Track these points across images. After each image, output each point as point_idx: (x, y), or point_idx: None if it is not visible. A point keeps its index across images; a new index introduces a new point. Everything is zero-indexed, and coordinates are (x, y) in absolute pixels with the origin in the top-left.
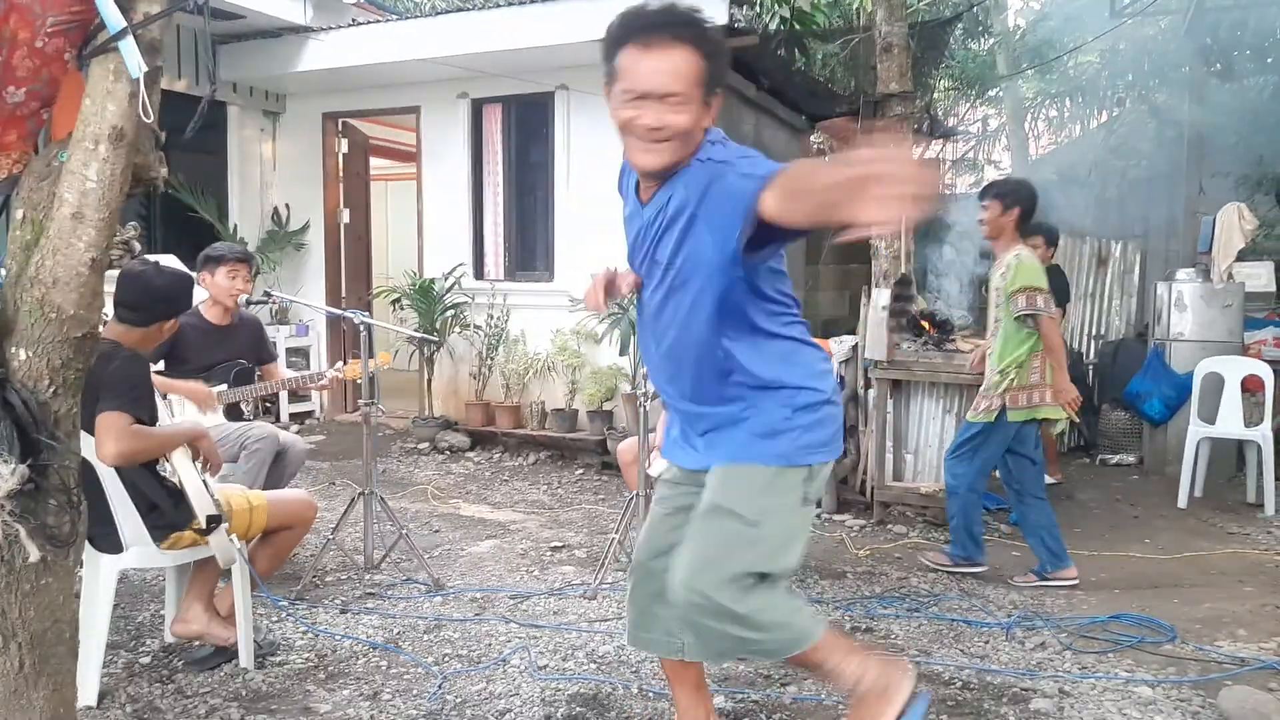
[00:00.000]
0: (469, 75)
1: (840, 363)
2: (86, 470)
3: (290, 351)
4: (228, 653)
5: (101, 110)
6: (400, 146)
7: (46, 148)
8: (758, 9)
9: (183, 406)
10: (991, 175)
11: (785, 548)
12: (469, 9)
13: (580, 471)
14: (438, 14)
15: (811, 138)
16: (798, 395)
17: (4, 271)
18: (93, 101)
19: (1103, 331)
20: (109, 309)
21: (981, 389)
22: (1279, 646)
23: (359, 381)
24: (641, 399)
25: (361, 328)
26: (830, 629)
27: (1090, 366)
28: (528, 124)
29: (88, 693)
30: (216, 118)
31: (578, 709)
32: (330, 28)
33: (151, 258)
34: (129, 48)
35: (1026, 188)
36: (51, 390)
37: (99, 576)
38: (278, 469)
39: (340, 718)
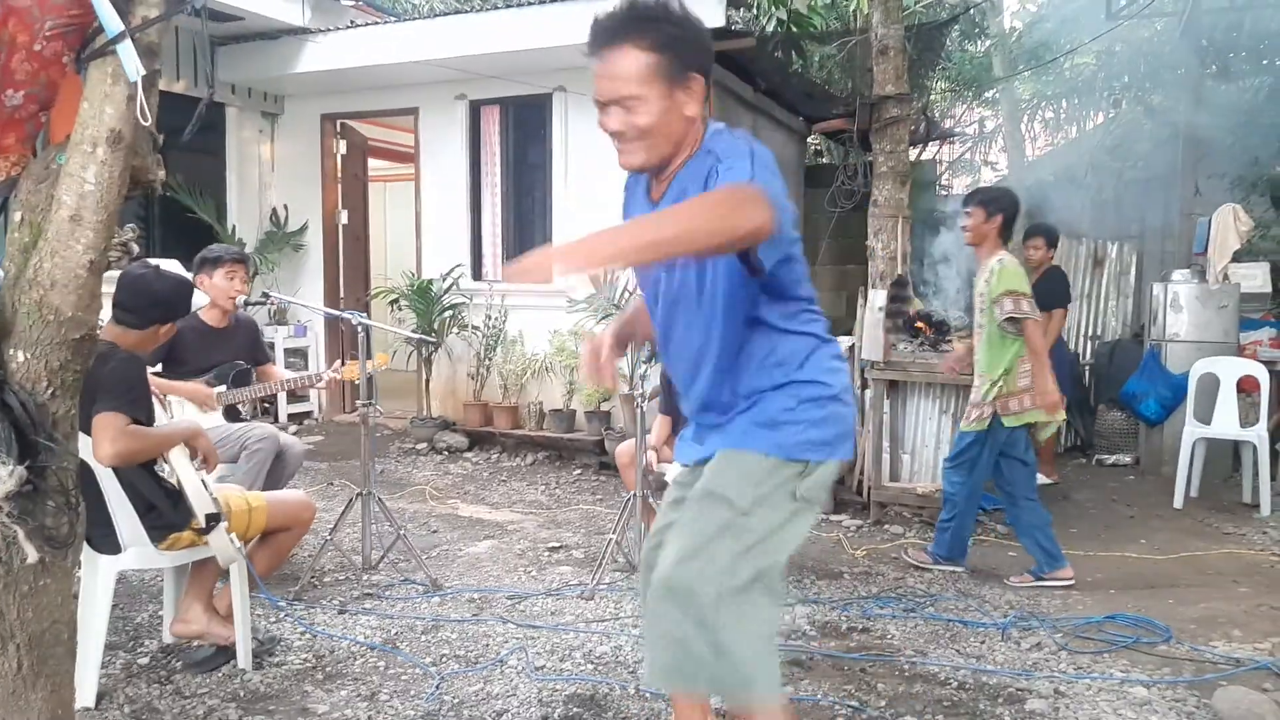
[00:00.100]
0: (467, 77)
1: None
2: (84, 471)
3: (288, 352)
4: (228, 653)
5: (99, 113)
6: (398, 148)
7: (45, 150)
8: (755, 11)
9: (182, 408)
10: (989, 177)
11: (773, 544)
12: (467, 11)
13: (578, 472)
14: (436, 16)
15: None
16: (804, 388)
17: (2, 274)
18: (91, 105)
19: (1099, 332)
20: (107, 310)
21: (971, 398)
22: (1274, 647)
23: (357, 382)
24: (639, 400)
25: (359, 329)
26: (786, 706)
27: (1086, 367)
28: (525, 125)
29: (86, 694)
30: (215, 119)
31: (575, 709)
32: (328, 29)
33: (153, 261)
34: (127, 51)
35: (1009, 195)
36: (50, 392)
37: (97, 577)
38: (276, 470)
39: (338, 718)
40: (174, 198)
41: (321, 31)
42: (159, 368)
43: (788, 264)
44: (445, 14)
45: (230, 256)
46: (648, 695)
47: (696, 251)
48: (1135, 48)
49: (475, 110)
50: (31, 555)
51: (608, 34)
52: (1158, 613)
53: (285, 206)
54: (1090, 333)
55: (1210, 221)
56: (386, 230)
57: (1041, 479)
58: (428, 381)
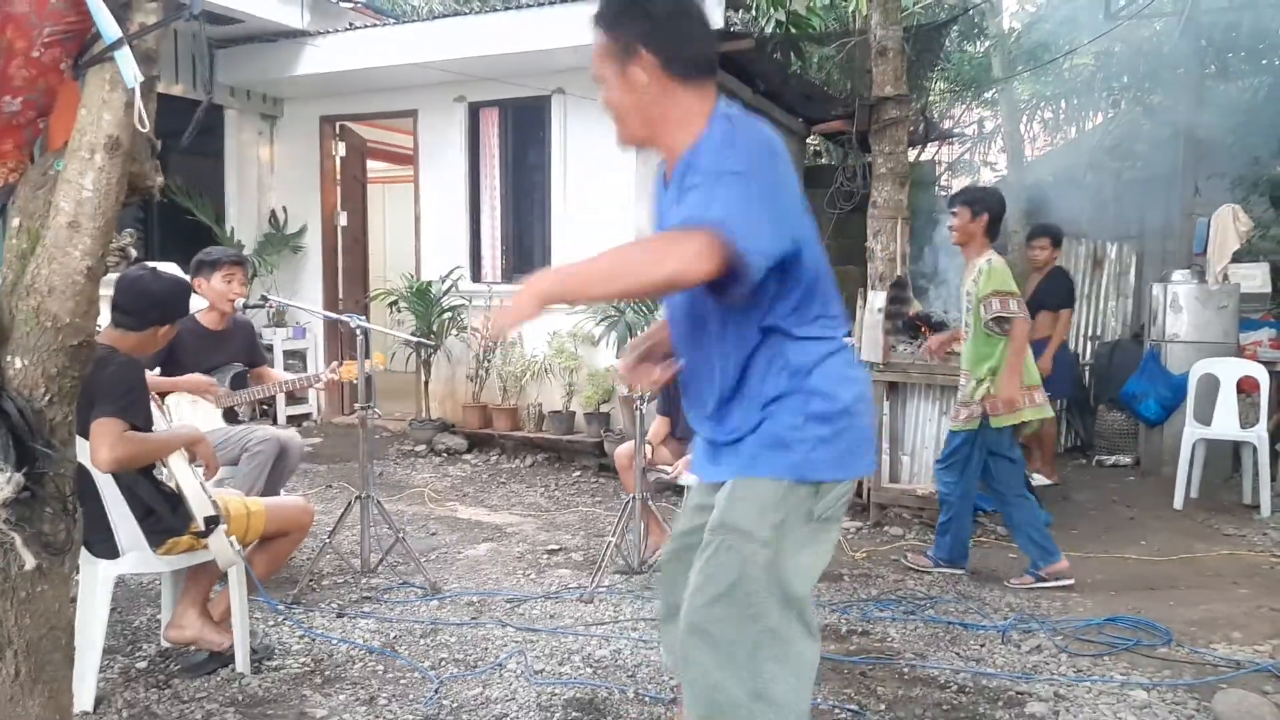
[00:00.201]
0: (466, 79)
1: None
2: (82, 476)
3: (287, 354)
4: (223, 658)
5: (97, 120)
6: (397, 150)
7: (43, 157)
8: (754, 12)
9: (179, 410)
10: (988, 177)
11: (797, 569)
12: (465, 13)
13: (577, 474)
14: (434, 18)
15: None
16: (811, 401)
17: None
18: (89, 111)
19: (1099, 333)
20: (105, 315)
21: (959, 397)
22: (1274, 649)
23: (355, 382)
24: (638, 402)
25: (357, 332)
26: None
27: (1086, 367)
28: (524, 127)
29: (84, 698)
30: (214, 121)
31: (574, 714)
32: (327, 32)
33: (151, 264)
34: (125, 58)
35: (994, 195)
36: (47, 398)
37: (95, 582)
38: (278, 467)
39: None
40: (173, 200)
41: (320, 34)
42: (157, 371)
43: (788, 268)
44: (444, 16)
45: (228, 259)
46: (647, 699)
47: (639, 294)
48: (1135, 48)
49: (474, 112)
50: (29, 562)
51: (593, 21)
52: (1157, 614)
53: (284, 209)
54: (1090, 333)
55: (1210, 222)
56: (385, 232)
57: (1042, 480)
58: (427, 383)
